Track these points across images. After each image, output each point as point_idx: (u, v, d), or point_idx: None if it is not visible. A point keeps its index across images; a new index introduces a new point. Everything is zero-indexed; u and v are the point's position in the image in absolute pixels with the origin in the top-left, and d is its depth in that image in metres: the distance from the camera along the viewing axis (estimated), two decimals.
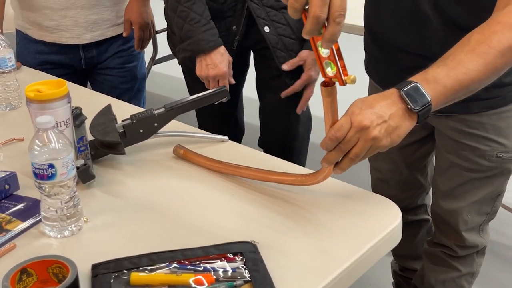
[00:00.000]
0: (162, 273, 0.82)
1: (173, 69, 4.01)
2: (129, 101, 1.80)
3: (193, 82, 1.72)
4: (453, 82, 0.90)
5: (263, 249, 0.87)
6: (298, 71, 1.69)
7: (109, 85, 1.88)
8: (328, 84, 0.88)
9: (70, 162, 0.89)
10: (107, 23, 1.79)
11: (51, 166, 0.87)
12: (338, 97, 0.90)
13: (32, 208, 0.99)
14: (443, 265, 1.50)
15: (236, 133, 1.96)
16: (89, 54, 1.82)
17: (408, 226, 1.31)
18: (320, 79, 0.92)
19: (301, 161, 1.90)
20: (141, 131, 1.15)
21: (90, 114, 1.14)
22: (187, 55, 1.65)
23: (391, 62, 1.31)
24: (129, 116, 1.16)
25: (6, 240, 0.91)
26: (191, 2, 1.58)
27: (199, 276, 0.80)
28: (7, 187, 1.03)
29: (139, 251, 0.87)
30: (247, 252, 0.86)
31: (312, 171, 1.01)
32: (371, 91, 1.44)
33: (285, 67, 1.67)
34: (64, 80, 1.03)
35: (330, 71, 0.87)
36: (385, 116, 0.87)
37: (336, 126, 0.88)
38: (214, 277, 0.81)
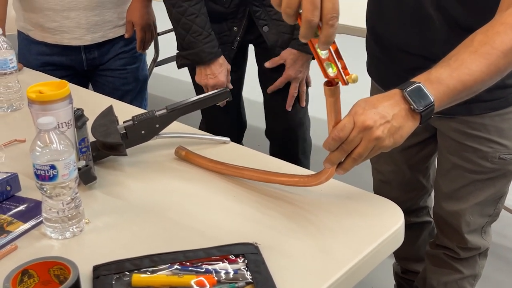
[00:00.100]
0: (163, 275, 0.82)
1: (174, 71, 3.98)
2: (130, 102, 1.79)
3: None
4: (456, 82, 0.90)
5: (265, 250, 0.87)
6: None
7: (111, 87, 1.88)
8: (331, 84, 0.88)
9: (72, 163, 0.89)
10: (109, 24, 1.80)
11: (52, 167, 0.86)
12: (340, 98, 0.90)
13: (33, 210, 0.99)
14: (446, 267, 1.49)
15: (238, 127, 2.02)
16: (90, 56, 1.82)
17: (410, 228, 1.31)
18: (321, 79, 0.91)
19: (305, 149, 1.97)
20: (143, 132, 1.15)
21: (91, 115, 1.14)
22: (187, 63, 1.76)
23: (393, 63, 1.30)
24: (130, 118, 1.15)
25: (7, 241, 0.91)
26: (194, 15, 1.66)
27: (201, 278, 0.80)
28: (8, 188, 1.03)
29: (141, 252, 0.87)
30: (249, 253, 0.86)
31: (314, 173, 1.00)
32: (373, 93, 1.43)
33: (267, 64, 1.78)
34: (66, 81, 1.03)
35: (332, 71, 0.86)
36: (388, 116, 0.87)
37: (339, 126, 0.87)
38: (216, 278, 0.80)
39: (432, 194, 1.57)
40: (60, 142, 0.87)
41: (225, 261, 0.84)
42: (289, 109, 1.82)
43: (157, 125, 1.16)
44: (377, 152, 0.89)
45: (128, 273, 0.82)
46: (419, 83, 0.90)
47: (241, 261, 0.84)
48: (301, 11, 0.81)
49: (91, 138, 1.11)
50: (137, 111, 1.26)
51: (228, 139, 1.23)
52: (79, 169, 1.00)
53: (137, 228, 0.95)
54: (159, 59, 3.49)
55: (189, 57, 1.73)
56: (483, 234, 1.43)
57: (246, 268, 0.83)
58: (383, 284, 1.93)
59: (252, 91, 2.24)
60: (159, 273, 0.82)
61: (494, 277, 2.02)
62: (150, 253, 0.86)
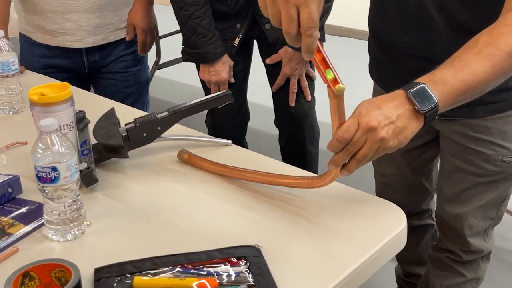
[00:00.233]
0: (165, 277, 0.81)
1: (176, 74, 4.02)
2: (132, 105, 1.79)
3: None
4: (460, 83, 0.90)
5: (267, 253, 0.87)
6: None
7: (112, 89, 1.88)
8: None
9: (73, 165, 0.89)
10: (110, 27, 1.80)
11: (54, 169, 0.86)
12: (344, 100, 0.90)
13: (35, 212, 0.99)
14: (448, 270, 1.49)
15: (242, 118, 2.08)
16: (92, 58, 1.82)
17: (413, 231, 1.30)
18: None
19: (312, 138, 2.06)
20: (145, 134, 1.15)
21: (93, 118, 1.14)
22: (191, 59, 1.86)
23: (395, 66, 1.30)
24: (132, 120, 1.15)
25: (8, 243, 0.91)
26: (200, 18, 1.74)
27: (203, 280, 0.79)
28: (10, 190, 1.03)
29: (142, 255, 0.86)
30: (251, 256, 0.85)
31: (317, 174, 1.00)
32: (376, 95, 1.43)
33: (268, 61, 1.90)
34: (68, 84, 1.03)
35: (328, 77, 0.87)
36: (393, 117, 0.87)
37: (343, 127, 0.87)
38: (218, 281, 0.80)
39: (435, 197, 1.56)
40: (61, 144, 0.87)
41: (227, 263, 0.84)
42: (292, 104, 1.92)
43: (159, 128, 1.15)
44: (382, 153, 0.89)
45: (129, 275, 0.82)
46: (423, 83, 0.89)
47: (243, 263, 0.84)
48: None
49: (93, 141, 1.11)
50: (139, 113, 1.26)
51: (230, 141, 1.23)
52: (80, 171, 1.00)
53: (139, 231, 0.95)
54: (161, 62, 3.49)
55: (194, 55, 1.82)
56: (485, 237, 1.42)
57: (248, 271, 0.82)
58: (385, 287, 1.93)
59: (253, 93, 2.24)
60: (160, 275, 0.82)
61: (497, 280, 2.01)
62: (151, 256, 0.86)
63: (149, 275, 0.82)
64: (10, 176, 1.04)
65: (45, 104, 0.98)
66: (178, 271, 0.82)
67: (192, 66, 3.89)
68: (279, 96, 1.96)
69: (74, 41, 1.77)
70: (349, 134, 0.87)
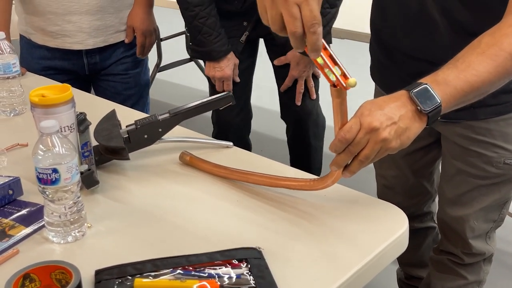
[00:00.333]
0: (166, 279, 0.81)
1: (177, 76, 4.03)
2: (132, 107, 1.79)
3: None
4: (463, 84, 0.89)
5: (268, 255, 0.86)
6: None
7: (113, 91, 1.88)
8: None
9: (74, 167, 0.88)
10: (111, 29, 1.80)
11: (55, 171, 0.86)
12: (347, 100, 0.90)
13: (35, 214, 0.99)
14: (450, 273, 1.48)
15: (245, 113, 2.12)
16: (92, 60, 1.82)
17: (414, 233, 1.29)
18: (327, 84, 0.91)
19: (316, 133, 2.13)
20: (146, 136, 1.14)
21: (94, 119, 1.13)
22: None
23: (397, 68, 1.30)
24: (133, 122, 1.15)
25: (9, 245, 0.91)
26: (205, 18, 1.79)
27: (204, 282, 0.79)
28: (10, 192, 1.03)
29: (143, 257, 0.86)
30: (252, 258, 0.85)
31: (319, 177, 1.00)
32: (377, 97, 1.43)
33: (276, 62, 1.97)
34: (69, 85, 1.03)
35: (333, 77, 0.86)
36: (395, 118, 0.87)
37: (345, 128, 0.87)
38: (219, 283, 0.80)
39: (436, 199, 1.56)
40: (62, 145, 0.87)
41: (228, 265, 0.84)
42: (298, 103, 2.00)
43: (160, 129, 1.15)
44: (384, 154, 0.88)
45: (130, 277, 0.82)
46: (426, 84, 0.89)
47: (244, 265, 0.84)
48: None
49: (94, 142, 1.11)
50: (140, 115, 1.26)
51: (231, 143, 1.23)
52: (81, 173, 1.00)
53: (140, 233, 0.95)
54: (162, 64, 3.49)
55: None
56: (487, 239, 1.42)
57: (249, 273, 0.82)
58: None
59: (255, 96, 2.24)
60: (161, 277, 0.82)
61: (499, 283, 2.00)
62: (152, 258, 0.85)
63: (150, 277, 0.81)
64: (11, 178, 1.04)
65: (46, 106, 0.98)
66: (179, 273, 0.82)
67: (193, 68, 3.90)
68: (286, 94, 2.03)
69: (74, 43, 1.77)
70: (351, 135, 0.86)
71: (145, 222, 0.97)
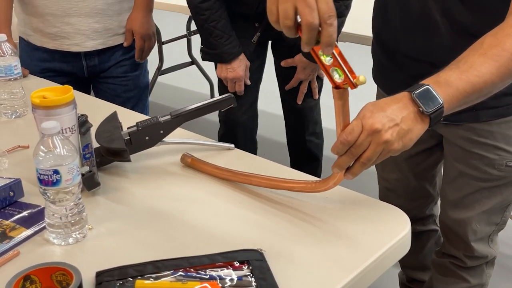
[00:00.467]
0: (167, 281, 0.81)
1: (178, 79, 4.03)
2: (131, 109, 1.79)
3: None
4: (465, 84, 0.89)
5: (270, 257, 0.86)
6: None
7: (112, 94, 1.88)
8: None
9: (75, 168, 0.88)
10: (109, 32, 1.80)
11: (56, 172, 0.86)
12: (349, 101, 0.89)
13: (36, 215, 0.98)
14: (452, 276, 1.47)
15: (253, 114, 2.15)
16: (91, 63, 1.82)
17: (416, 236, 1.29)
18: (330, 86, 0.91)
19: (316, 131, 2.18)
20: (147, 138, 1.14)
21: (95, 121, 1.13)
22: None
23: (399, 70, 1.30)
24: (134, 124, 1.15)
25: (9, 247, 0.90)
26: (216, 21, 1.82)
27: (205, 284, 0.79)
28: (11, 194, 1.03)
29: (144, 258, 0.86)
30: (254, 260, 0.85)
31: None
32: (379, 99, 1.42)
33: (283, 64, 2.01)
34: (70, 87, 1.02)
35: (338, 77, 0.86)
36: (397, 119, 0.86)
37: (347, 130, 0.86)
38: (220, 285, 0.79)
39: (438, 202, 1.55)
40: (63, 147, 0.87)
41: (230, 267, 0.83)
42: (300, 102, 2.06)
43: (161, 131, 1.15)
44: (386, 156, 0.88)
45: (131, 279, 0.81)
46: (428, 85, 0.89)
47: (246, 267, 0.83)
48: (299, 20, 0.81)
49: (95, 144, 1.11)
50: (141, 117, 1.26)
51: (232, 145, 1.23)
52: (82, 175, 0.99)
53: (141, 234, 0.94)
54: (163, 67, 3.49)
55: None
56: (490, 242, 1.41)
57: (251, 275, 0.82)
58: None
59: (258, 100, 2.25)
60: (162, 279, 0.81)
61: (501, 287, 1.99)
62: (153, 259, 0.85)
63: (151, 279, 0.81)
64: (12, 180, 1.04)
65: (47, 107, 0.98)
66: (180, 275, 0.82)
67: (194, 72, 3.90)
68: (288, 93, 2.08)
69: (72, 45, 1.77)
70: (353, 137, 0.86)
71: (146, 224, 0.97)
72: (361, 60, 1.92)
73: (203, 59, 1.97)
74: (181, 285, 0.79)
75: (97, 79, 1.88)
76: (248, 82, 1.97)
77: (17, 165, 1.17)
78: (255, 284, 0.80)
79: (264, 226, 0.96)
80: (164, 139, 1.16)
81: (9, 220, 0.97)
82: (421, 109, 0.87)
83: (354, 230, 0.94)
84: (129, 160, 1.12)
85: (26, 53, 1.83)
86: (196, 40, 3.61)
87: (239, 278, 0.81)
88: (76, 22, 1.74)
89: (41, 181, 0.87)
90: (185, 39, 3.60)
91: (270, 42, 2.07)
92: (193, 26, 3.52)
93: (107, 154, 1.13)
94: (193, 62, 3.67)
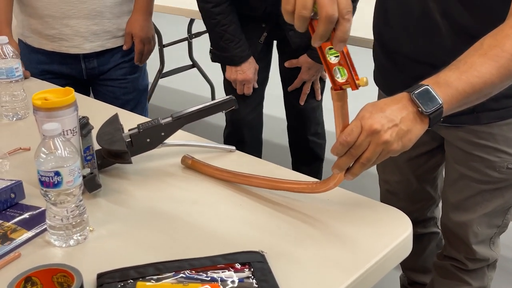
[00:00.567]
0: (168, 283, 0.81)
1: (179, 82, 4.03)
2: (130, 112, 1.79)
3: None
4: (464, 85, 0.89)
5: (271, 259, 0.86)
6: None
7: (111, 96, 1.88)
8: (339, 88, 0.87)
9: (77, 170, 0.88)
10: (108, 34, 1.80)
11: (57, 173, 0.86)
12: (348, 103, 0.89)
13: (37, 217, 0.98)
14: (453, 279, 1.47)
15: (259, 114, 2.17)
16: (90, 65, 1.83)
17: (418, 239, 1.29)
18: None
19: (318, 131, 2.21)
20: (148, 140, 1.14)
21: (95, 124, 1.13)
22: (219, 60, 1.98)
23: (400, 72, 1.30)
24: (136, 126, 1.15)
25: (10, 249, 0.90)
26: (227, 25, 1.86)
27: (206, 286, 0.79)
28: (12, 196, 1.03)
29: (145, 260, 0.86)
30: (255, 262, 0.84)
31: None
32: None
33: (287, 64, 2.03)
34: (72, 89, 1.03)
35: (340, 78, 0.86)
36: (396, 120, 0.86)
37: (346, 131, 0.86)
38: (221, 287, 0.79)
39: (440, 204, 1.55)
40: (65, 148, 0.87)
41: (231, 269, 0.83)
42: (302, 103, 2.08)
43: (163, 133, 1.15)
44: (386, 157, 0.88)
45: (132, 281, 0.81)
46: (427, 85, 0.89)
47: (247, 269, 0.83)
48: (311, 14, 0.81)
49: (96, 146, 1.11)
50: (142, 119, 1.26)
51: (233, 147, 1.23)
52: (83, 176, 0.99)
53: (142, 236, 0.94)
54: (164, 70, 3.50)
55: (222, 58, 1.95)
56: (491, 245, 1.41)
57: (252, 277, 0.82)
58: None
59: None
60: (164, 281, 0.81)
61: None
62: (154, 261, 0.85)
63: (152, 281, 0.81)
64: (13, 181, 1.04)
65: (48, 109, 0.98)
66: (182, 277, 0.82)
67: (195, 74, 3.90)
68: (291, 94, 2.10)
69: (70, 47, 1.77)
70: (352, 138, 0.86)
71: (147, 226, 0.97)
72: (362, 63, 1.93)
73: (213, 60, 2.00)
74: (182, 287, 0.79)
75: (96, 81, 1.89)
76: (256, 86, 2.00)
77: (18, 167, 1.17)
78: (257, 286, 0.80)
79: (265, 228, 0.96)
80: (165, 141, 1.16)
81: (10, 222, 0.97)
82: (420, 109, 0.87)
83: (355, 232, 0.94)
84: (130, 162, 1.12)
85: (25, 55, 1.83)
86: (197, 43, 3.64)
87: (241, 280, 0.81)
88: (75, 24, 1.74)
89: (42, 183, 0.87)
90: (186, 42, 3.60)
91: (274, 42, 2.10)
92: (194, 29, 3.53)
93: (108, 156, 1.13)
94: (194, 65, 3.67)
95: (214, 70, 1.99)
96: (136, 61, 1.88)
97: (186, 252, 0.88)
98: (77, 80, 1.85)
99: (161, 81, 3.54)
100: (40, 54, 1.81)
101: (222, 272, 0.82)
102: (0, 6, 1.73)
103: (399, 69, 1.30)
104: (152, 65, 2.04)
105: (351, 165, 0.89)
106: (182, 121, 1.16)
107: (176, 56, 3.73)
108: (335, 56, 0.85)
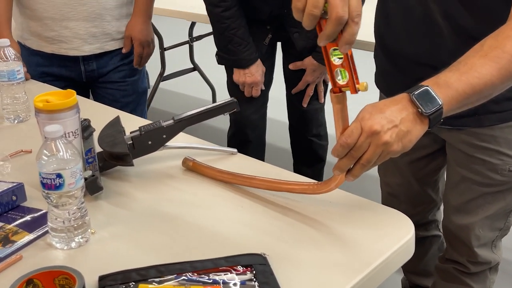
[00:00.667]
0: (170, 285, 0.80)
1: (180, 85, 4.03)
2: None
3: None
4: (464, 86, 0.89)
5: (273, 261, 0.86)
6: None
7: (110, 99, 1.88)
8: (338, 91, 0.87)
9: (78, 172, 0.88)
10: (107, 37, 1.81)
11: (59, 176, 0.86)
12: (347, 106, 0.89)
13: (39, 220, 0.98)
14: (455, 282, 1.47)
15: (263, 115, 2.19)
16: (89, 67, 1.83)
17: (419, 242, 1.28)
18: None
19: (320, 131, 2.22)
20: (150, 143, 1.14)
21: (96, 126, 1.13)
22: (226, 63, 2.00)
23: (401, 74, 1.30)
24: (137, 128, 1.15)
25: (12, 251, 0.90)
26: (236, 29, 1.87)
27: None
28: (14, 198, 1.02)
29: (147, 263, 0.85)
30: (257, 264, 0.84)
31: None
32: None
33: (291, 66, 2.04)
34: (73, 91, 1.03)
35: (341, 80, 0.86)
36: (396, 121, 0.86)
37: (346, 133, 0.86)
38: None
39: (441, 207, 1.55)
40: (66, 150, 0.87)
41: (233, 271, 0.83)
42: (305, 105, 2.10)
43: (164, 136, 1.15)
44: (386, 158, 0.88)
45: (134, 283, 0.81)
46: (427, 86, 0.88)
47: (249, 272, 0.83)
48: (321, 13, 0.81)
49: (98, 149, 1.11)
50: (143, 122, 1.26)
51: (235, 150, 1.23)
52: (85, 179, 0.99)
53: (144, 239, 0.94)
54: (165, 73, 3.50)
55: (229, 61, 1.97)
56: (493, 248, 1.41)
57: (254, 279, 0.81)
58: None
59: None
60: (165, 283, 0.81)
61: None
62: (156, 264, 0.85)
63: (154, 283, 0.81)
64: (15, 184, 1.04)
65: (50, 111, 0.98)
66: (184, 279, 0.81)
67: (196, 77, 3.89)
68: (294, 95, 2.11)
69: (70, 49, 1.78)
70: (352, 139, 0.86)
71: (149, 228, 0.97)
72: (363, 67, 1.93)
73: (219, 63, 2.01)
74: None
75: (96, 84, 1.89)
76: (263, 87, 2.02)
77: (20, 169, 1.17)
78: None
79: (267, 230, 0.95)
80: (167, 144, 1.16)
81: (12, 225, 0.97)
82: (420, 110, 0.87)
83: (357, 234, 0.93)
84: (131, 165, 1.12)
85: (24, 57, 1.83)
86: (198, 46, 3.65)
87: (243, 283, 0.81)
88: (74, 26, 1.74)
89: (44, 185, 0.87)
90: (187, 45, 3.60)
91: (278, 44, 2.11)
92: (195, 33, 3.53)
93: (110, 159, 1.13)
94: (195, 68, 3.67)
95: (215, 73, 1.99)
96: (135, 64, 1.88)
97: (188, 254, 0.88)
98: (76, 83, 1.85)
99: (162, 84, 3.54)
100: (39, 56, 1.81)
101: (224, 274, 0.82)
102: (0, 7, 1.73)
103: (401, 71, 1.30)
104: (153, 68, 2.04)
105: (351, 166, 0.89)
106: (183, 123, 1.16)
107: (177, 59, 3.73)
108: (338, 58, 0.85)
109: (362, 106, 0.90)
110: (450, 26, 1.15)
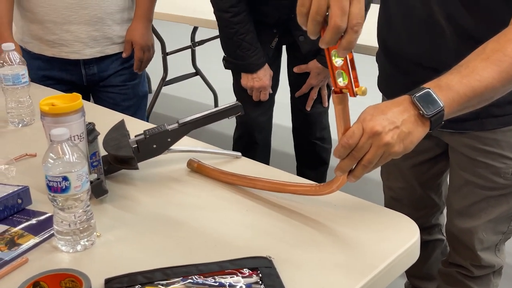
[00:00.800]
0: None
1: (183, 90, 4.04)
2: None
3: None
4: (466, 88, 0.89)
5: (279, 264, 0.86)
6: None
7: (111, 102, 1.89)
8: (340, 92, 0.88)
9: (84, 175, 0.88)
10: (108, 41, 1.81)
11: (65, 178, 0.86)
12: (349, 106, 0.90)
13: (44, 223, 0.99)
14: (459, 286, 1.47)
15: (269, 117, 2.20)
16: (90, 71, 1.83)
17: (422, 246, 1.28)
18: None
19: (323, 135, 2.23)
20: (154, 146, 1.14)
21: (101, 130, 1.13)
22: (233, 68, 2.01)
23: (403, 77, 1.30)
24: (142, 132, 1.15)
25: (18, 254, 0.90)
26: (244, 35, 1.89)
27: None
28: (19, 201, 1.03)
29: (153, 265, 0.86)
30: (263, 267, 0.84)
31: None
32: None
33: (295, 70, 2.06)
34: (79, 94, 1.03)
35: (342, 81, 0.87)
36: (397, 122, 0.86)
37: (348, 133, 0.87)
38: None
39: (445, 211, 1.55)
40: (73, 153, 0.87)
41: (239, 274, 0.83)
42: (308, 109, 2.11)
43: (169, 139, 1.15)
44: (388, 159, 0.88)
45: (140, 286, 0.81)
46: (429, 88, 0.89)
47: (255, 275, 0.83)
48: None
49: (103, 152, 1.11)
50: (147, 125, 1.26)
51: (239, 153, 1.23)
52: (90, 182, 0.99)
53: (149, 242, 0.94)
54: (167, 78, 3.51)
55: (237, 66, 1.98)
56: (497, 251, 1.41)
57: (260, 282, 0.81)
58: None
59: None
60: (171, 286, 0.81)
61: None
62: (162, 267, 0.85)
63: (160, 286, 0.81)
64: (20, 187, 1.04)
65: (56, 115, 0.98)
66: (189, 282, 0.82)
67: (198, 82, 3.89)
68: (298, 98, 2.13)
69: (70, 53, 1.78)
70: (353, 140, 0.86)
71: (154, 231, 0.97)
72: (365, 71, 1.93)
73: (227, 68, 2.02)
74: None
75: (97, 88, 1.90)
76: (271, 91, 2.03)
77: (24, 173, 1.17)
78: None
79: (272, 233, 0.96)
80: (171, 147, 1.16)
81: (17, 228, 0.97)
82: (421, 112, 0.87)
83: (362, 237, 0.94)
84: (136, 168, 1.12)
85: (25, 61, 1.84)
86: (200, 51, 3.65)
87: (248, 286, 0.81)
88: (75, 29, 1.75)
89: (50, 188, 0.87)
90: (189, 50, 3.61)
91: (283, 47, 2.13)
92: (197, 37, 3.54)
93: (114, 162, 1.13)
94: (197, 72, 3.68)
95: (217, 78, 2.00)
96: (135, 68, 1.89)
97: (193, 257, 0.88)
98: (77, 86, 1.85)
99: (164, 89, 3.55)
100: (40, 60, 1.82)
101: (230, 277, 0.82)
102: (2, 10, 1.74)
103: (403, 74, 1.30)
104: (155, 73, 2.05)
105: (353, 167, 0.89)
106: (188, 127, 1.16)
107: (179, 64, 3.74)
108: (340, 59, 0.86)
109: (363, 108, 0.90)
110: (453, 28, 1.15)
